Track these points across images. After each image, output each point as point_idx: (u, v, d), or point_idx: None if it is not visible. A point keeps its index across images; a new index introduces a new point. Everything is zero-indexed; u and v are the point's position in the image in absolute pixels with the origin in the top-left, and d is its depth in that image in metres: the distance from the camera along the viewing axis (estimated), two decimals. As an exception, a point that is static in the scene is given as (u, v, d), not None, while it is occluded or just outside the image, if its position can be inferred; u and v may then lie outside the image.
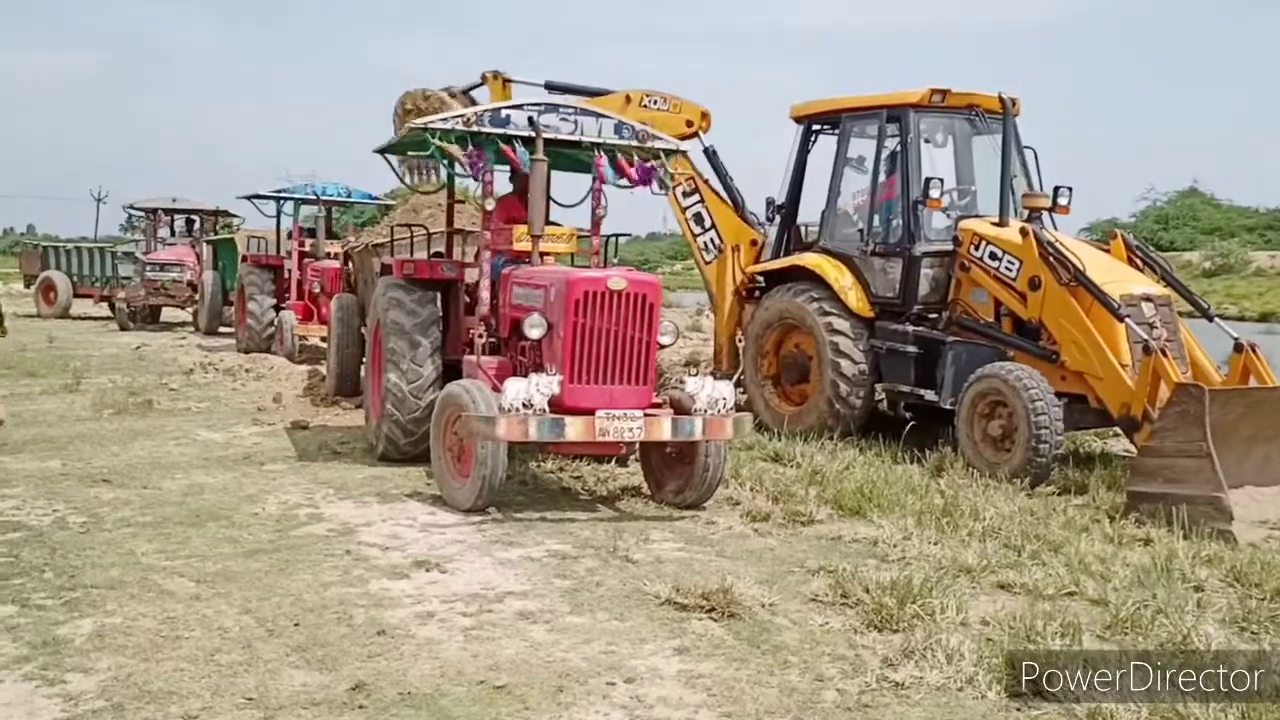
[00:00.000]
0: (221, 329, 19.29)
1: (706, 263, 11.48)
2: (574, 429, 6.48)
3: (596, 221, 8.28)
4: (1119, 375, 8.03)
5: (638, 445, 7.31)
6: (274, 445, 8.86)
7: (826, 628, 4.84)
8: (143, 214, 23.51)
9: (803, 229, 10.83)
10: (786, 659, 4.44)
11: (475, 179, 7.77)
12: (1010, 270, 8.86)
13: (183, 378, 13.12)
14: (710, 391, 6.79)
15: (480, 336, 7.61)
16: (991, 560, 5.85)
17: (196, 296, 20.42)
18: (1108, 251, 9.37)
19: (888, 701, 4.03)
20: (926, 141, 9.92)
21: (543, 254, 7.86)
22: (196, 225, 23.02)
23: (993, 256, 8.99)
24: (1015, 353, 8.76)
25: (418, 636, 4.57)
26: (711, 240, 11.40)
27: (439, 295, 8.47)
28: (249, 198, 17.55)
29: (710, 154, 11.48)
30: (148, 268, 21.02)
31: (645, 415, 6.67)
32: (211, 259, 20.39)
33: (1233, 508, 6.65)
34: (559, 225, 8.43)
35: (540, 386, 6.46)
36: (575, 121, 7.83)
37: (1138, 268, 9.16)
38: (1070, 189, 9.66)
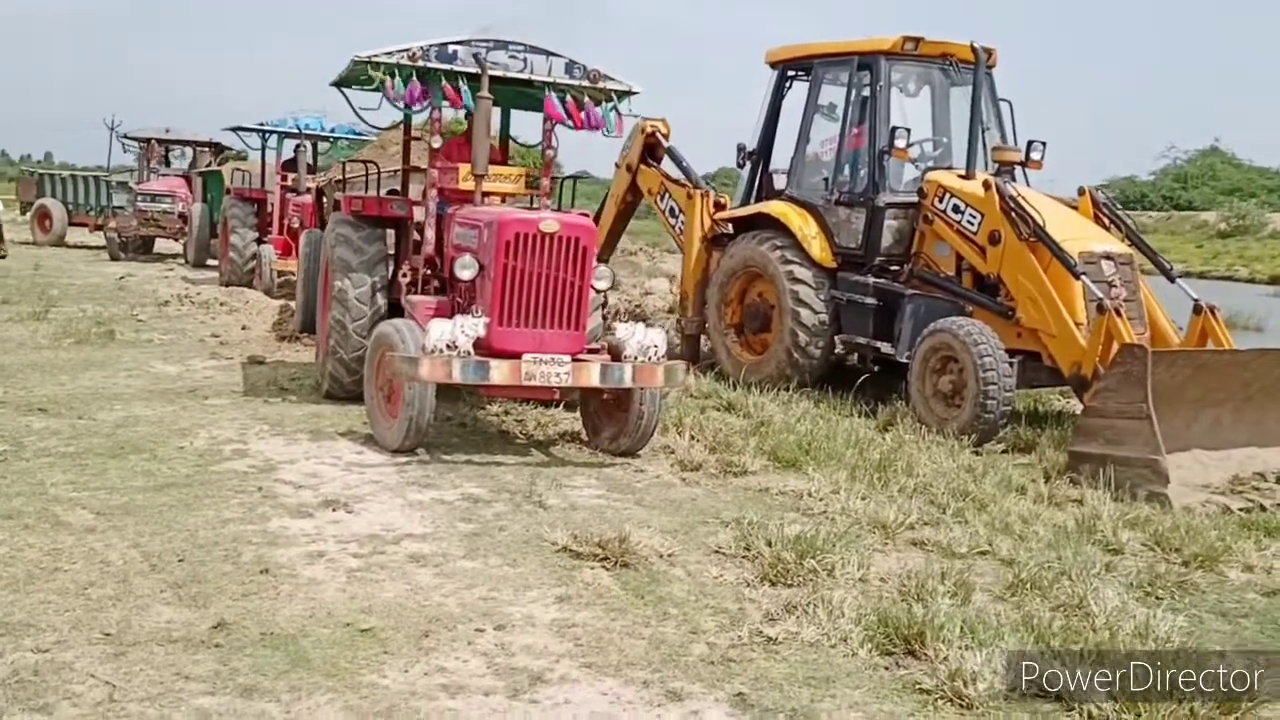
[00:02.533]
0: (210, 261, 19.21)
1: (682, 246, 11.37)
2: (499, 372, 6.40)
3: (547, 162, 8.16)
4: (1072, 333, 7.89)
5: (577, 391, 7.24)
6: (224, 380, 8.82)
7: (719, 580, 4.78)
8: (136, 144, 23.35)
9: (775, 176, 10.67)
10: (667, 611, 4.39)
11: (408, 110, 7.65)
12: (972, 224, 8.68)
13: (155, 309, 13.09)
14: (640, 338, 6.70)
15: (405, 276, 7.51)
16: (912, 517, 5.77)
17: (187, 228, 20.32)
18: (1075, 208, 9.18)
19: (754, 656, 3.97)
20: (899, 91, 9.71)
21: (488, 194, 7.73)
22: (198, 156, 22.88)
23: (955, 209, 8.81)
24: (973, 308, 8.62)
25: (300, 576, 4.53)
26: (684, 225, 11.26)
27: (389, 234, 8.36)
28: (233, 129, 17.43)
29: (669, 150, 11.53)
30: (139, 198, 20.91)
31: (574, 360, 6.59)
32: (202, 191, 20.25)
33: (1170, 471, 6.55)
34: (514, 165, 8.29)
35: (465, 328, 6.37)
36: (525, 60, 7.64)
37: (1104, 225, 8.98)
38: (1044, 143, 9.46)
